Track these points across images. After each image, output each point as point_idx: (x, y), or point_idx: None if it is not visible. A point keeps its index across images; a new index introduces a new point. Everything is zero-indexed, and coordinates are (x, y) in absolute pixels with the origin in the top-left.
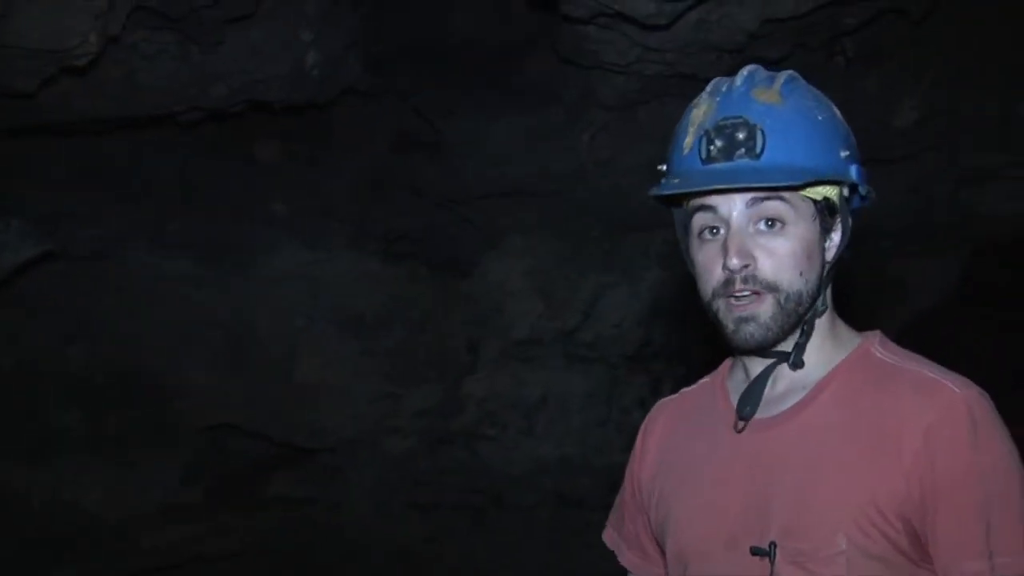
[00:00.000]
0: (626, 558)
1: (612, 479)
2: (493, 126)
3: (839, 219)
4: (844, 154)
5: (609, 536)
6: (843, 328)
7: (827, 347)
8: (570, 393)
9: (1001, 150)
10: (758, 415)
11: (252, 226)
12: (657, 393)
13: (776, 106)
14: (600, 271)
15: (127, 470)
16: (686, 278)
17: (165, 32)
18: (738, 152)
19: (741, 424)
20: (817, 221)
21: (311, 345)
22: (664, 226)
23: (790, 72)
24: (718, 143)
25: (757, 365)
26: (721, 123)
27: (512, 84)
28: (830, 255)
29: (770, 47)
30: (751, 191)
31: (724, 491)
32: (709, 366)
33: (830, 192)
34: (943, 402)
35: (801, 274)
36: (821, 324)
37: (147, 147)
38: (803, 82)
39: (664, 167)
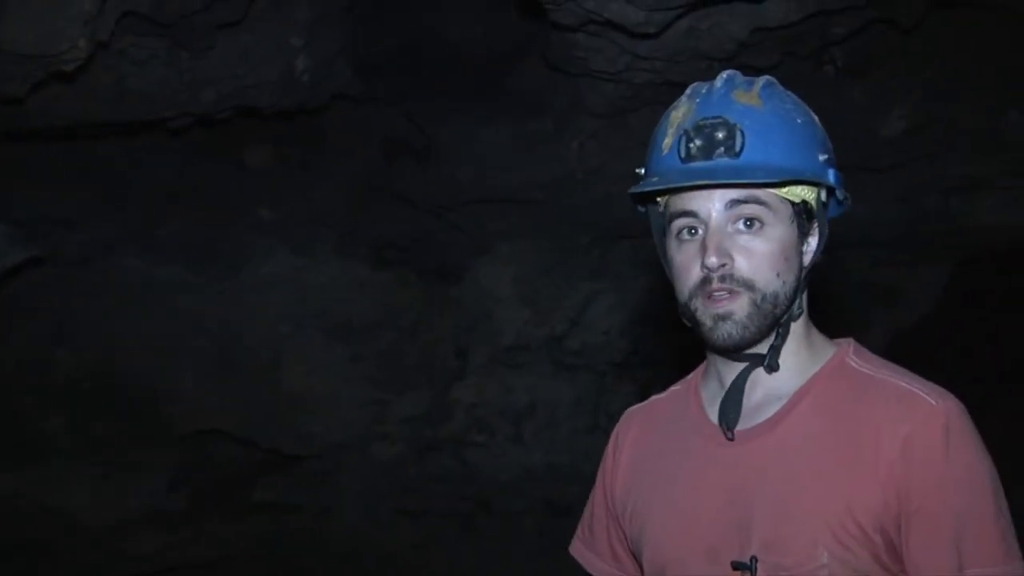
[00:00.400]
0: (598, 568)
1: None
2: (483, 133)
3: (816, 223)
4: (822, 157)
5: (578, 550)
6: (817, 336)
7: (803, 354)
8: (558, 400)
9: (990, 160)
10: (736, 427)
11: (241, 231)
12: (644, 399)
13: (756, 108)
14: (588, 279)
15: (113, 475)
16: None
17: (155, 37)
18: (717, 151)
19: (731, 434)
20: (795, 224)
21: (299, 351)
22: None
23: (768, 77)
24: (697, 142)
25: (731, 370)
26: (701, 123)
27: (502, 91)
28: (807, 259)
29: (759, 56)
30: (730, 187)
31: (702, 502)
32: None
33: (808, 195)
34: (920, 413)
35: (778, 275)
36: (797, 329)
37: (136, 152)
38: (781, 87)
39: (642, 170)
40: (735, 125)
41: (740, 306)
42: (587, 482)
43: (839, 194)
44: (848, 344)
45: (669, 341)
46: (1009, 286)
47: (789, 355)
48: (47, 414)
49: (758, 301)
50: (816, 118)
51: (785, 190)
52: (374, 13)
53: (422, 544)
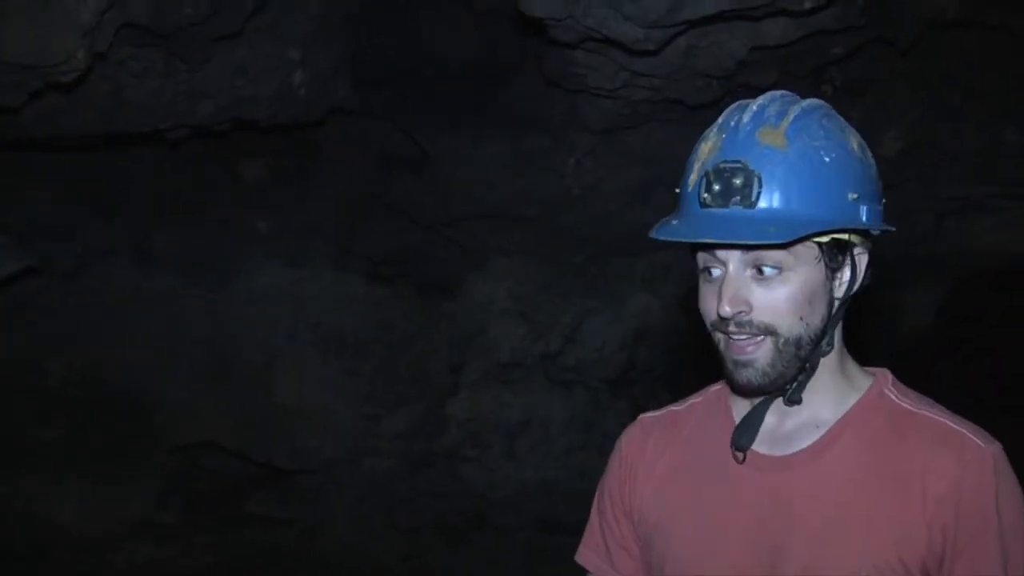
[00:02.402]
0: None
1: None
2: (479, 148)
3: (848, 258)
4: (852, 196)
5: (587, 558)
6: (852, 365)
7: (838, 385)
8: (552, 416)
9: (985, 180)
10: (770, 451)
11: (236, 244)
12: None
13: (779, 150)
14: (584, 295)
15: (103, 486)
16: (670, 303)
17: (152, 49)
18: (733, 199)
19: (741, 456)
20: (822, 263)
21: (292, 364)
22: (648, 251)
23: (805, 106)
24: (716, 187)
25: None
26: (721, 166)
27: (499, 107)
28: (839, 292)
29: (758, 74)
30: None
31: (732, 522)
32: (690, 391)
33: (824, 238)
34: (969, 455)
35: (801, 319)
36: (828, 362)
37: (132, 163)
38: (817, 116)
39: (678, 190)
40: (753, 172)
41: (763, 353)
42: (581, 498)
43: (873, 231)
44: (885, 376)
45: (664, 358)
46: (1005, 305)
47: (821, 387)
48: (39, 424)
49: (780, 345)
50: (854, 146)
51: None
52: (372, 28)
53: (414, 559)
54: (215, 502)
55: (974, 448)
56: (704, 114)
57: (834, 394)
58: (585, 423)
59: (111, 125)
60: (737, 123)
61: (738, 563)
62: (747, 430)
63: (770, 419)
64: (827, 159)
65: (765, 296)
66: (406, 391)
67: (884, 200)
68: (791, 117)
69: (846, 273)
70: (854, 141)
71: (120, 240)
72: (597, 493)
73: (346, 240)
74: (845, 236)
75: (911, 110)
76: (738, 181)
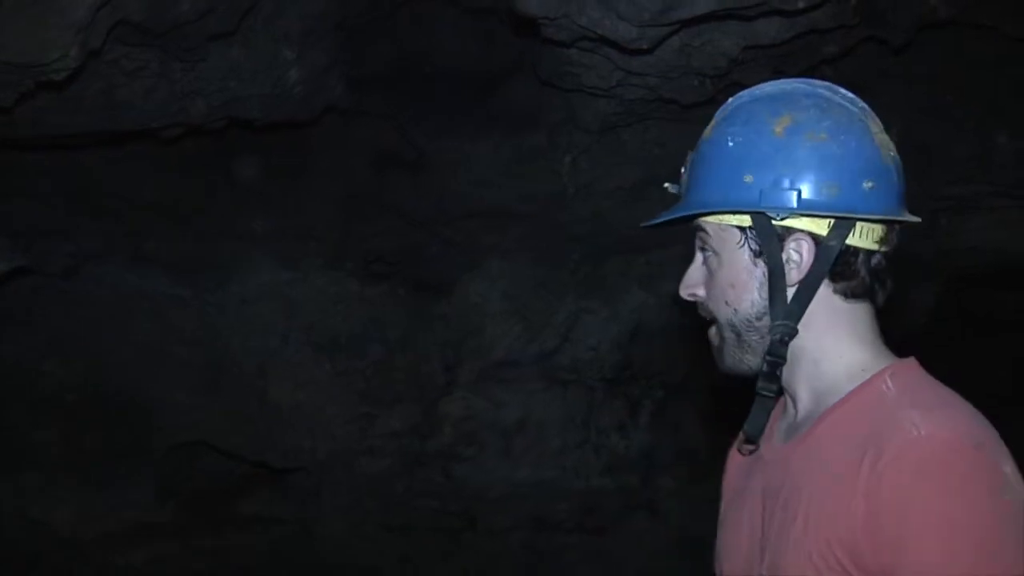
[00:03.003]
0: None
1: (589, 502)
2: (474, 147)
3: (775, 241)
4: (747, 179)
5: None
6: (858, 354)
7: (829, 376)
8: (548, 416)
9: (979, 180)
10: (782, 442)
11: (230, 244)
12: (635, 416)
13: (704, 139)
14: (579, 294)
15: (99, 488)
16: (666, 301)
17: (146, 48)
18: (680, 187)
19: (748, 448)
20: (745, 247)
21: (287, 364)
22: (644, 250)
23: (757, 93)
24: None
25: None
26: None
27: (494, 106)
28: (792, 278)
29: (751, 73)
30: (673, 223)
31: (743, 519)
32: (687, 390)
33: (742, 220)
34: (896, 444)
35: (727, 303)
36: (810, 349)
37: (125, 163)
38: (759, 103)
39: None
40: (687, 161)
41: (714, 338)
42: (576, 498)
43: (771, 212)
44: (898, 364)
45: (660, 356)
46: (999, 305)
47: (808, 376)
48: (34, 425)
49: (723, 332)
50: (775, 130)
51: (715, 218)
52: (367, 27)
53: (408, 559)
54: (210, 502)
55: (904, 436)
56: (698, 113)
57: (826, 385)
58: (581, 422)
59: (104, 124)
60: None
61: (747, 556)
62: (753, 420)
63: (790, 408)
64: (731, 143)
65: (708, 281)
66: (401, 390)
67: (866, 186)
68: (732, 106)
69: (793, 256)
70: (782, 125)
71: (114, 240)
72: None
73: (341, 240)
74: (748, 220)
75: (904, 110)
76: (682, 168)
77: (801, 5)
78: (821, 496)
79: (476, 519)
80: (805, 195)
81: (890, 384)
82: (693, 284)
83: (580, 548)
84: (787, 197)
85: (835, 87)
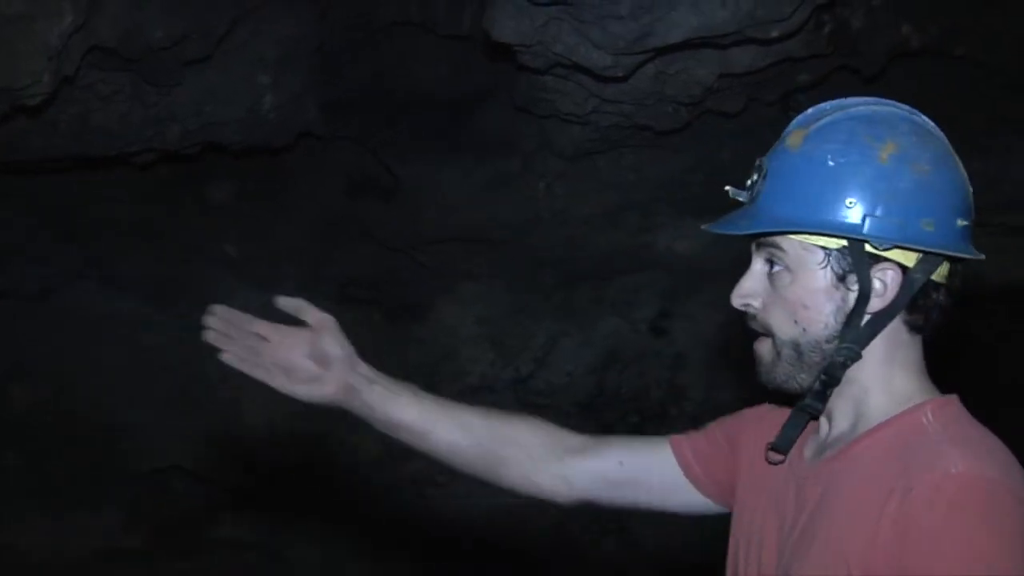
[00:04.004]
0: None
1: (560, 530)
2: (449, 172)
3: (863, 270)
4: (849, 202)
5: (675, 439)
6: (905, 385)
7: (874, 400)
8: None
9: None
10: (813, 458)
11: (204, 267)
12: None
13: (791, 150)
14: (553, 319)
15: (69, 513)
16: (640, 327)
17: (121, 73)
18: (748, 194)
19: (780, 457)
20: (828, 269)
21: (260, 388)
22: (618, 275)
23: (852, 111)
24: (746, 182)
25: None
26: (756, 163)
27: (469, 131)
28: (874, 306)
29: (726, 101)
30: (745, 235)
31: (770, 523)
32: (662, 416)
33: (830, 243)
34: (928, 479)
35: (796, 323)
36: (864, 378)
37: (99, 187)
38: (857, 121)
39: None
40: (763, 169)
41: (765, 352)
42: (547, 525)
43: (875, 242)
44: (942, 399)
45: (634, 381)
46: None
47: (855, 401)
48: (2, 449)
49: (777, 347)
50: (881, 156)
51: (799, 236)
52: (342, 52)
53: None
54: (183, 527)
55: (939, 472)
56: (673, 140)
57: (870, 411)
58: None
59: (78, 149)
60: (788, 124)
61: (767, 563)
62: (784, 433)
63: (824, 426)
64: (832, 163)
65: (770, 295)
66: None
67: (959, 224)
68: (824, 120)
69: (877, 286)
70: (887, 151)
71: (87, 264)
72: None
73: (315, 264)
74: (840, 242)
75: None
76: (754, 176)
77: (775, 34)
78: (847, 513)
79: (451, 545)
80: (906, 227)
81: (931, 417)
82: (749, 294)
83: (553, 574)
84: (890, 227)
85: (916, 111)
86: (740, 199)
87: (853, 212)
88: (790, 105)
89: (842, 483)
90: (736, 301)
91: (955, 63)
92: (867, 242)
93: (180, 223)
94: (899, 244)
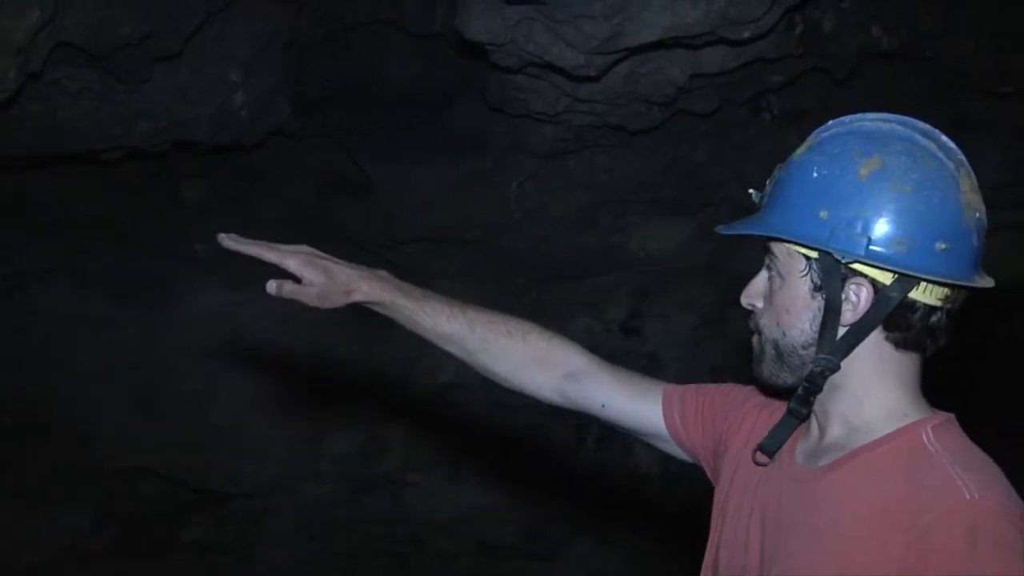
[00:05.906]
0: (675, 403)
1: (535, 528)
2: (421, 171)
3: (838, 282)
4: (822, 215)
5: (668, 392)
6: (897, 399)
7: (865, 412)
8: (495, 439)
9: None
10: (804, 464)
11: (174, 266)
12: (583, 441)
13: (795, 159)
14: (525, 319)
15: (35, 513)
16: (612, 327)
17: (89, 69)
18: (763, 198)
19: (765, 458)
20: (808, 278)
21: (230, 388)
22: (590, 275)
23: (853, 126)
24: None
25: None
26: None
27: (441, 130)
28: (847, 318)
29: (698, 101)
30: (752, 238)
31: (754, 523)
32: None
33: (808, 252)
34: (947, 505)
35: (778, 324)
36: (846, 385)
37: (67, 184)
38: (854, 136)
39: None
40: (775, 178)
41: (756, 346)
42: (522, 523)
43: (838, 255)
44: (937, 417)
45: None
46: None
47: (845, 410)
48: None
49: (765, 345)
50: (861, 172)
51: (788, 245)
52: (314, 50)
53: None
54: (151, 528)
55: (957, 499)
56: (645, 140)
57: (862, 422)
58: (528, 447)
59: (45, 146)
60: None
61: (749, 565)
62: (773, 435)
63: (815, 430)
64: (816, 174)
65: (767, 297)
66: (346, 414)
67: (938, 247)
68: (829, 132)
69: (851, 298)
70: (869, 167)
71: (56, 262)
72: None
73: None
74: (815, 254)
75: None
76: (768, 184)
77: (747, 35)
78: (850, 532)
79: (422, 544)
80: (873, 245)
81: (932, 437)
82: (754, 295)
83: (526, 572)
84: (856, 242)
85: (937, 133)
86: (756, 201)
87: (823, 224)
88: (762, 106)
89: (842, 498)
90: (743, 301)
91: (925, 65)
92: (832, 255)
93: (150, 221)
94: (861, 260)
